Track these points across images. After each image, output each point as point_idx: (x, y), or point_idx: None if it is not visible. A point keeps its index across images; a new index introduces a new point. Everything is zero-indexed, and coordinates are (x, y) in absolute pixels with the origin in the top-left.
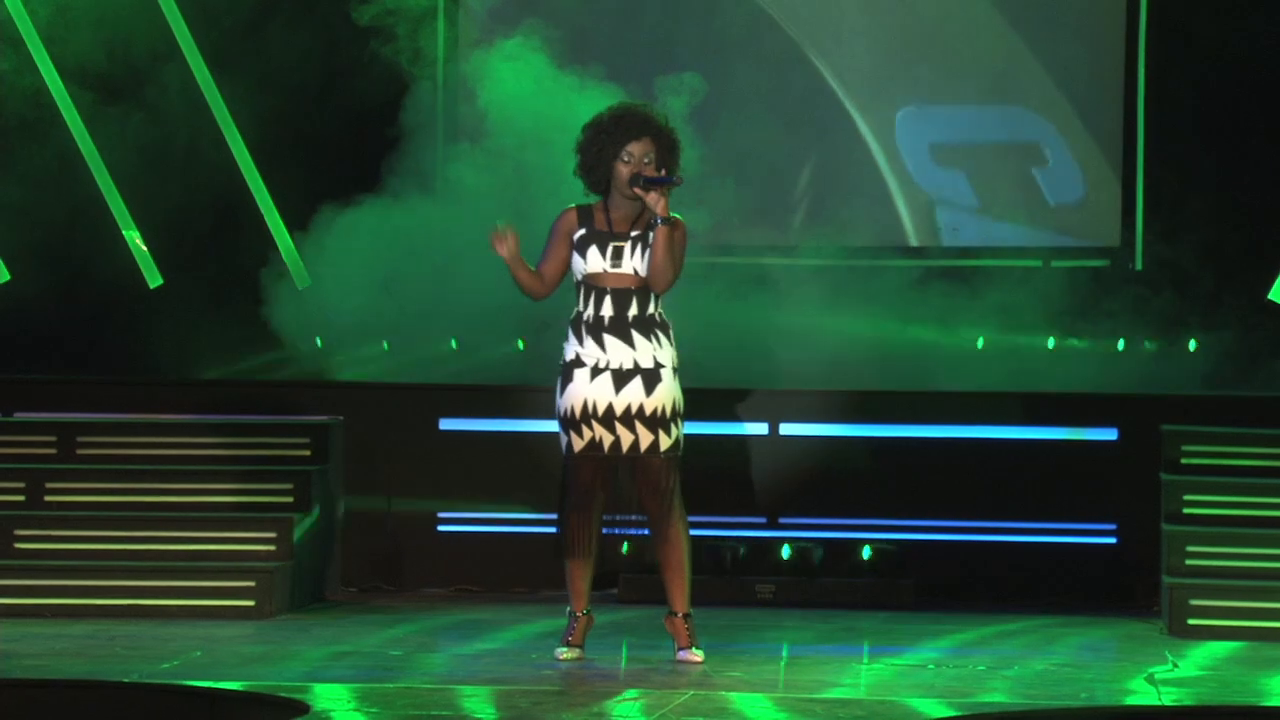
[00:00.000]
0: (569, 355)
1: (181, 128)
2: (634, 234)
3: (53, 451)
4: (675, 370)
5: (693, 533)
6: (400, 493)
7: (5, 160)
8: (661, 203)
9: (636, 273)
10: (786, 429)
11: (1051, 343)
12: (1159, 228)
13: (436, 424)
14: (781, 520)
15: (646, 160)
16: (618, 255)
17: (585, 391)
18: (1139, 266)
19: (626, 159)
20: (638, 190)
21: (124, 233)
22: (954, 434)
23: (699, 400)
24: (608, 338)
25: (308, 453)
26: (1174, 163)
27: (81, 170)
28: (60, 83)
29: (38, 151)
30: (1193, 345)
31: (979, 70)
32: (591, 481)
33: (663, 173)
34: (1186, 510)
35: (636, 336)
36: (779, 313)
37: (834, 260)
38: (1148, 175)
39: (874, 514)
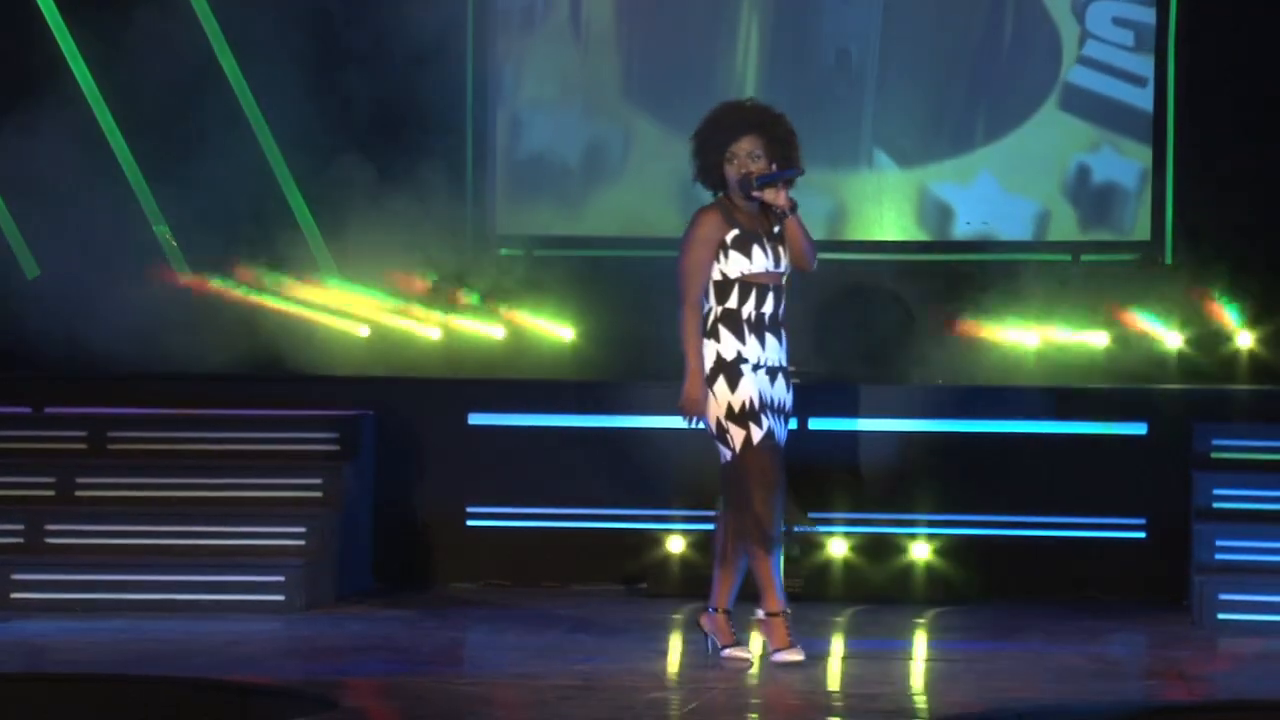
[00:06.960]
0: (729, 354)
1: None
2: (777, 230)
3: (83, 446)
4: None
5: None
6: (430, 487)
7: (44, 152)
8: (782, 195)
9: (785, 270)
10: (816, 424)
11: (1081, 337)
12: (1189, 221)
13: (466, 418)
14: (811, 515)
15: (757, 156)
16: (777, 255)
17: (759, 384)
18: (1169, 260)
19: (731, 159)
20: (755, 194)
21: (154, 228)
22: (983, 429)
23: None
24: (767, 335)
25: (337, 447)
26: (1205, 155)
27: (113, 167)
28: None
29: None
30: (1223, 340)
31: None
32: (778, 470)
33: (774, 167)
34: (1216, 505)
35: (783, 334)
36: (809, 308)
37: (864, 255)
38: (1178, 167)
39: (903, 509)
